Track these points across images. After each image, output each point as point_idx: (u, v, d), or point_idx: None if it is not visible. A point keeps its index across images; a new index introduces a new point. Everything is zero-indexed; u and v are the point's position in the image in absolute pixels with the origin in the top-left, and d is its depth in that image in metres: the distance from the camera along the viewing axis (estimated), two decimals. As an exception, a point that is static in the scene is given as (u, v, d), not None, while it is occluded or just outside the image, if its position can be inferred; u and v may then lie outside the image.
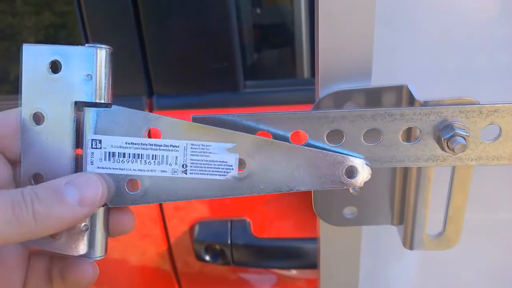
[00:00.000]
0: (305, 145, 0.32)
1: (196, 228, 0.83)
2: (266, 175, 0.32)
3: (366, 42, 0.35)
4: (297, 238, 0.84)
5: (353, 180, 0.32)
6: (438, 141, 0.32)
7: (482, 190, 0.43)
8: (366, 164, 0.32)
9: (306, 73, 0.92)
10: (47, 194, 0.28)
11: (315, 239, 0.85)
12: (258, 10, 0.99)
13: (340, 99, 0.37)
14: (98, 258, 0.33)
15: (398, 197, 0.40)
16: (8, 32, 0.99)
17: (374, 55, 0.35)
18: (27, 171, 0.32)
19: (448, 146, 0.31)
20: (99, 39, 0.80)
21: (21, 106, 0.31)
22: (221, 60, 0.78)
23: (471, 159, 0.33)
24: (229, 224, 0.83)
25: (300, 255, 0.82)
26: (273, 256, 0.83)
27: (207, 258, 0.85)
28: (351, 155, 0.32)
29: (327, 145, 0.33)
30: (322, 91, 0.37)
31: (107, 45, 0.30)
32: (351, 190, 0.40)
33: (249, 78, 0.83)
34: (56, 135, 0.31)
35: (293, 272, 0.90)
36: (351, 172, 0.32)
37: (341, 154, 0.32)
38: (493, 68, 0.39)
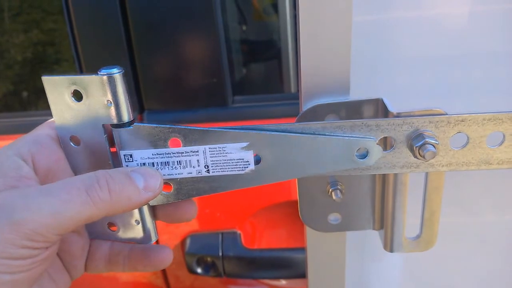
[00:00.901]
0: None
1: (188, 241, 0.85)
2: (282, 165, 0.35)
3: (343, 59, 0.38)
4: (287, 248, 0.86)
5: (365, 160, 0.35)
6: (411, 149, 0.34)
7: (467, 194, 0.46)
8: (377, 144, 0.34)
9: (293, 88, 0.95)
10: (119, 176, 0.32)
11: (303, 249, 0.87)
12: (245, 27, 1.03)
13: (321, 112, 0.39)
14: (152, 242, 0.39)
15: (378, 203, 0.42)
16: None
17: (353, 70, 0.38)
18: None
19: (419, 154, 0.33)
20: (90, 56, 0.83)
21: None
22: (210, 76, 0.80)
23: (442, 165, 0.35)
24: (220, 237, 0.84)
25: (290, 265, 0.84)
26: (264, 267, 0.85)
27: (199, 270, 0.86)
28: (361, 137, 0.34)
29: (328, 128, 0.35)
30: (305, 104, 0.39)
31: (118, 68, 0.32)
32: (334, 197, 0.42)
33: (237, 93, 0.86)
34: (95, 153, 0.35)
35: (283, 282, 0.91)
36: (363, 152, 0.35)
37: (352, 137, 0.34)
38: (466, 83, 0.42)
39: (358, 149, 0.35)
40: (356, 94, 0.39)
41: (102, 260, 0.39)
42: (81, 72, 0.84)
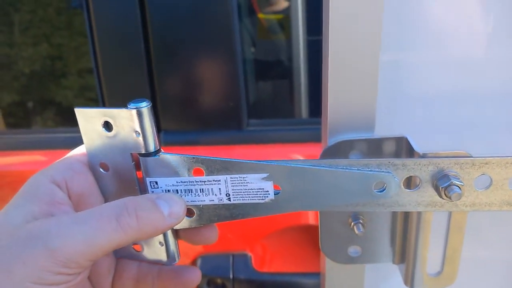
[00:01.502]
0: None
1: (198, 262, 0.85)
2: (300, 196, 0.36)
3: (370, 96, 0.39)
4: (298, 273, 0.86)
5: (383, 193, 0.35)
6: (436, 189, 0.35)
7: (478, 228, 0.47)
8: (395, 179, 0.35)
9: (304, 113, 0.97)
10: (146, 203, 0.33)
11: (314, 274, 0.87)
12: (253, 48, 1.04)
13: (345, 147, 0.40)
14: (175, 263, 0.40)
15: (399, 238, 0.43)
16: (4, 61, 1.03)
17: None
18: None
19: (445, 194, 0.34)
20: (110, 77, 0.84)
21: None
22: (227, 99, 0.82)
23: (465, 205, 0.36)
24: (231, 258, 0.85)
25: (300, 290, 0.84)
26: (274, 291, 0.85)
27: (209, 292, 0.86)
28: (379, 171, 0.35)
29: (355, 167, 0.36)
30: (330, 140, 0.40)
31: (147, 101, 0.34)
32: (356, 231, 0.43)
33: (252, 117, 0.87)
34: (123, 179, 0.37)
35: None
36: (381, 186, 0.35)
37: (369, 172, 0.35)
38: (485, 121, 0.43)
39: (376, 183, 0.35)
40: (376, 130, 0.41)
41: (130, 279, 0.40)
42: (101, 93, 0.86)
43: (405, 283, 0.43)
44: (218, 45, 0.82)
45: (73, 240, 0.30)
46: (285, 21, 0.99)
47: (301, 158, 0.82)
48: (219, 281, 0.85)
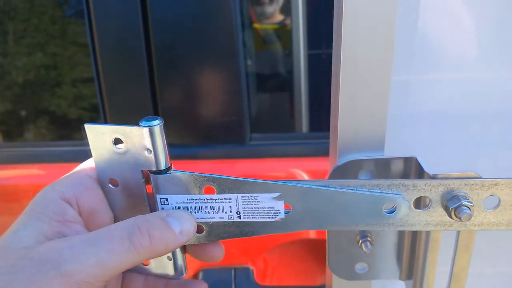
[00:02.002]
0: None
1: (200, 275, 0.85)
2: (310, 215, 0.37)
3: (381, 116, 0.39)
4: (299, 286, 0.86)
5: (393, 215, 0.36)
6: (446, 209, 0.36)
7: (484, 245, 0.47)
8: (405, 201, 0.36)
9: (307, 128, 0.98)
10: (158, 222, 0.33)
11: (315, 288, 0.87)
12: (250, 61, 1.04)
13: (355, 166, 0.41)
14: (182, 277, 0.41)
15: (406, 255, 0.44)
16: None
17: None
18: (116, 221, 0.39)
19: (455, 215, 0.35)
20: (113, 91, 0.85)
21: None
22: (230, 113, 0.82)
23: (474, 225, 0.37)
24: (233, 272, 0.85)
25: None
26: (276, 305, 0.85)
27: (211, 306, 0.86)
28: (389, 194, 0.36)
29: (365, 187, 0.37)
30: (340, 159, 0.41)
31: (159, 119, 0.34)
32: (364, 249, 0.43)
33: (254, 131, 0.88)
34: (132, 195, 0.37)
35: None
36: (391, 208, 0.36)
37: (380, 194, 0.36)
38: (491, 140, 0.44)
39: (386, 205, 0.36)
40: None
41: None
42: (102, 106, 0.86)
43: (413, 300, 0.43)
44: (221, 58, 0.82)
45: (86, 263, 0.30)
46: (286, 33, 1.01)
47: (303, 173, 0.83)
48: (221, 294, 0.85)
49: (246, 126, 0.84)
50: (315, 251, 0.89)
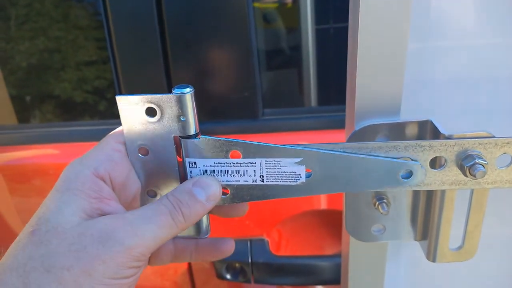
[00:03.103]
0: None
1: (217, 247, 0.88)
2: (330, 180, 0.39)
3: (397, 82, 0.41)
4: (314, 256, 0.89)
5: (409, 180, 0.38)
6: (461, 168, 0.38)
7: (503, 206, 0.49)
8: (422, 167, 0.37)
9: (313, 102, 0.99)
10: (186, 197, 0.36)
11: (328, 257, 0.90)
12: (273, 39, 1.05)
13: (372, 131, 0.43)
14: (207, 236, 0.43)
15: (421, 216, 0.46)
16: (1, 55, 1.04)
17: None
18: (143, 189, 0.41)
19: (470, 173, 0.37)
20: (127, 69, 0.86)
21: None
22: (243, 89, 0.84)
23: (487, 183, 0.39)
24: (248, 243, 0.88)
25: (317, 272, 0.87)
26: (292, 274, 0.88)
27: (228, 276, 0.89)
28: (406, 161, 0.38)
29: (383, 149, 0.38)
30: (357, 124, 0.43)
31: (190, 87, 0.36)
32: (381, 210, 0.45)
33: (266, 106, 0.89)
34: (163, 162, 0.39)
35: (309, 288, 0.94)
36: (408, 174, 0.38)
37: (397, 160, 0.37)
38: (503, 105, 0.46)
39: (403, 171, 0.38)
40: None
41: (168, 255, 0.44)
42: (118, 84, 0.88)
43: (427, 257, 0.45)
44: (233, 35, 0.83)
45: (144, 238, 0.33)
46: (294, 9, 1.01)
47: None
48: (237, 265, 0.88)
49: (258, 101, 0.86)
50: (327, 221, 0.91)
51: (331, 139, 0.83)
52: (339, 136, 0.80)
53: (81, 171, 0.36)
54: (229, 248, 0.44)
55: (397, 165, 0.38)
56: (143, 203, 0.42)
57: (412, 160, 0.38)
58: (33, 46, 1.01)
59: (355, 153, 0.38)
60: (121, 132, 0.39)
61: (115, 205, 0.37)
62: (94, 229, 0.33)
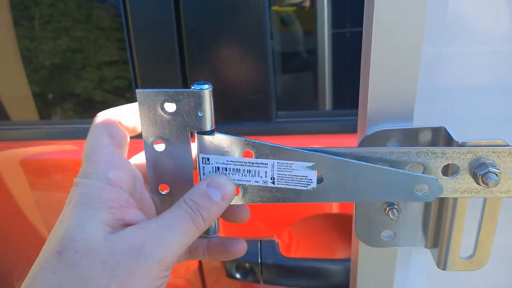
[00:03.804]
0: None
1: (227, 247, 0.88)
2: (342, 188, 0.38)
3: (411, 87, 0.41)
4: (324, 259, 0.89)
5: (425, 196, 0.37)
6: (474, 176, 0.37)
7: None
8: (438, 182, 0.37)
9: (327, 106, 0.99)
10: (203, 200, 0.36)
11: (338, 260, 0.89)
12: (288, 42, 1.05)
13: (383, 137, 0.42)
14: (216, 235, 0.43)
15: (432, 223, 0.45)
16: (25, 54, 1.06)
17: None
18: (153, 184, 0.41)
19: (483, 181, 0.36)
20: (144, 70, 0.88)
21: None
22: (257, 91, 0.84)
23: (501, 192, 0.38)
24: (259, 244, 0.88)
25: (327, 275, 0.87)
26: (301, 276, 0.88)
27: (238, 275, 0.89)
28: (422, 175, 0.37)
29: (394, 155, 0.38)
30: (369, 129, 0.43)
31: (208, 84, 0.37)
32: (391, 216, 0.45)
33: (280, 108, 0.90)
34: (177, 156, 0.39)
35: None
36: (423, 189, 0.37)
37: (413, 174, 0.37)
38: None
39: (419, 186, 0.37)
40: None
41: (184, 254, 0.44)
42: (135, 84, 0.89)
43: (438, 265, 0.45)
44: (249, 37, 0.84)
45: (172, 248, 0.34)
46: (311, 13, 1.01)
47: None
48: (247, 265, 0.88)
49: (272, 103, 0.86)
50: (339, 225, 0.91)
51: (345, 144, 0.83)
52: (353, 141, 0.80)
53: (93, 184, 0.34)
54: (241, 249, 0.44)
55: (413, 178, 0.37)
56: (154, 198, 0.42)
57: (423, 165, 0.38)
58: (56, 46, 1.04)
59: (369, 162, 0.38)
60: (103, 128, 0.37)
61: (135, 212, 0.36)
62: (123, 244, 0.32)
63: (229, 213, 0.44)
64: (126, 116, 0.40)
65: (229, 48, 0.84)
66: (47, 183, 1.01)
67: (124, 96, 1.02)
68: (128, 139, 0.41)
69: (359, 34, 0.42)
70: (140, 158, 0.43)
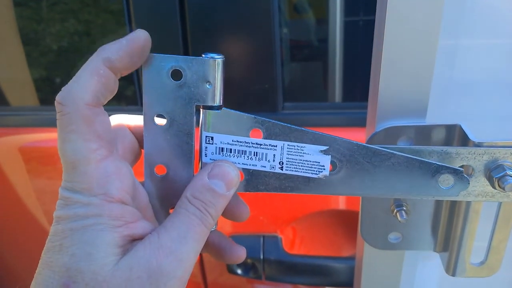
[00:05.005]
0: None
1: (230, 241, 0.86)
2: (357, 179, 0.35)
3: (425, 82, 0.38)
4: (327, 256, 0.87)
5: (449, 190, 0.34)
6: (490, 179, 0.34)
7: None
8: (463, 175, 0.34)
9: (337, 98, 0.96)
10: (208, 196, 0.34)
11: (342, 258, 0.87)
12: (285, 29, 1.02)
13: (394, 133, 0.40)
14: (213, 229, 0.39)
15: (443, 226, 0.43)
16: (31, 37, 1.04)
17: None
18: (149, 163, 0.37)
19: (499, 185, 0.34)
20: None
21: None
22: (263, 82, 0.81)
23: (518, 197, 0.35)
24: (261, 240, 0.86)
25: (330, 273, 0.85)
26: (304, 273, 0.86)
27: (239, 271, 0.88)
28: (447, 165, 0.34)
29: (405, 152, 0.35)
30: (379, 125, 0.40)
31: (220, 54, 0.34)
32: (399, 218, 0.43)
33: (287, 100, 0.87)
34: (179, 133, 0.36)
35: (321, 289, 0.92)
36: (447, 181, 0.34)
37: (437, 163, 0.34)
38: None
39: (442, 177, 0.34)
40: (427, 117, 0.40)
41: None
42: (137, 72, 0.87)
43: (447, 271, 0.42)
44: (255, 25, 0.81)
45: (190, 260, 0.32)
46: (320, 1, 0.98)
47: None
48: (249, 261, 0.86)
49: (279, 94, 0.83)
50: (344, 222, 0.88)
51: (353, 138, 0.80)
52: (362, 135, 0.77)
53: (89, 203, 0.30)
54: (240, 255, 0.42)
55: (437, 168, 0.34)
56: (149, 181, 0.38)
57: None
58: (63, 28, 1.01)
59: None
60: (88, 127, 0.32)
61: (142, 224, 0.33)
62: (139, 270, 0.30)
63: (229, 210, 0.41)
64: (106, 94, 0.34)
65: (234, 36, 0.81)
66: (46, 171, 1.00)
67: (132, 81, 1.00)
68: (125, 127, 0.38)
69: (373, 23, 0.39)
70: (123, 118, 0.38)
